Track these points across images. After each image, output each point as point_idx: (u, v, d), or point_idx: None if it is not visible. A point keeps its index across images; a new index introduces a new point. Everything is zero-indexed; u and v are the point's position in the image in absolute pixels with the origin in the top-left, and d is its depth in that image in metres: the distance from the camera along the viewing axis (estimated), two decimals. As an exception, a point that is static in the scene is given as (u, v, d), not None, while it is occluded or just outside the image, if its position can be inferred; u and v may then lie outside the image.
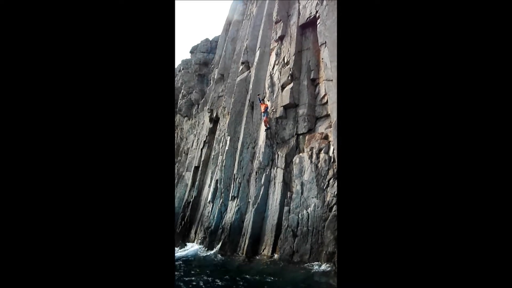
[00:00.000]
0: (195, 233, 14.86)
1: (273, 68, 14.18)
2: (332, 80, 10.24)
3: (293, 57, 12.79)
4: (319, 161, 10.14)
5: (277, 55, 14.18)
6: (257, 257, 10.21)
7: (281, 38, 14.28)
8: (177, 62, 27.88)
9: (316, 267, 8.20)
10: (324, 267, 8.04)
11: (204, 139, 18.73)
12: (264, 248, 10.39)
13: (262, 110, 12.76)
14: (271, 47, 15.10)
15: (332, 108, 10.23)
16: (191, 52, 26.99)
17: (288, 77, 12.56)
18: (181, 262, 10.76)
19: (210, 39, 26.55)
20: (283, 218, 10.22)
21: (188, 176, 19.12)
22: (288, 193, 10.74)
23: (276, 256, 9.69)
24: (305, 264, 8.57)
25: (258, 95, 13.76)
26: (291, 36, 13.64)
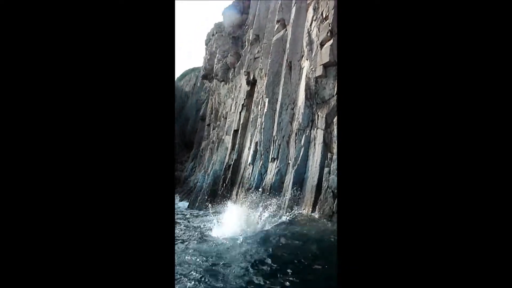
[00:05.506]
0: (236, 194, 15.38)
1: (310, 25, 13.41)
2: (375, 33, 9.52)
3: (332, 11, 11.91)
4: (361, 121, 9.77)
5: (315, 10, 13.32)
6: (297, 216, 10.38)
7: (319, -9, 13.37)
8: (210, 26, 27.41)
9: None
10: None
11: (242, 102, 18.72)
12: (304, 209, 10.53)
13: None
14: (307, 2, 14.18)
15: (375, 64, 9.61)
16: (223, 14, 26.27)
17: (328, 33, 11.82)
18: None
19: (243, -2, 25.52)
20: (323, 179, 10.16)
21: (228, 139, 19.47)
22: (329, 154, 10.56)
23: (316, 214, 9.78)
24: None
25: None
26: (330, -12, 12.70)
